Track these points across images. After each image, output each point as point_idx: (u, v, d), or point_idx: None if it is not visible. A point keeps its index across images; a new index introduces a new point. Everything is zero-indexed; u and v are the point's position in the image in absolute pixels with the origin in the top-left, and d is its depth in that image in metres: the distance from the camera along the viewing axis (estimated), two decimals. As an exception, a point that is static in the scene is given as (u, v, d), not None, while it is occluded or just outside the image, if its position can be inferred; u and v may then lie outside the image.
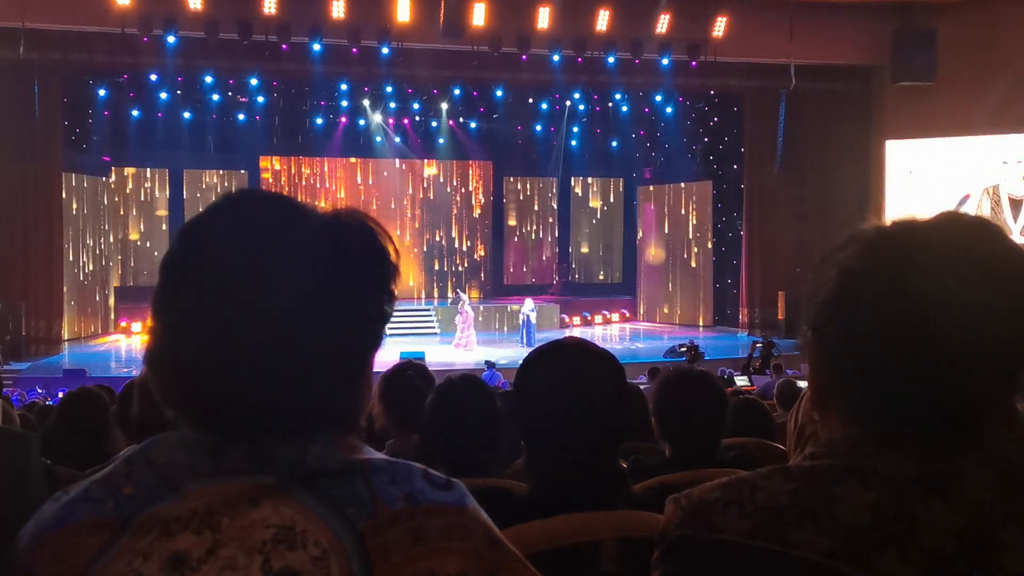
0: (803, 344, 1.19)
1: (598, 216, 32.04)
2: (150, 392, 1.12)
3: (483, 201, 31.23)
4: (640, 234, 30.92)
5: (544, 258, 31.71)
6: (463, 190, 31.01)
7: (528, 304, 24.28)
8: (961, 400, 1.07)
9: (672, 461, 2.93)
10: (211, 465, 1.02)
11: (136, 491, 1.02)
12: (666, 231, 30.14)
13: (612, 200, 32.02)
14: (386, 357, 16.51)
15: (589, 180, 31.73)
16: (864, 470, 1.07)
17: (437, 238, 30.85)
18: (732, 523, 1.09)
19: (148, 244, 27.74)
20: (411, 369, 3.65)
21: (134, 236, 27.88)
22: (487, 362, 18.28)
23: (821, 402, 1.18)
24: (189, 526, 0.98)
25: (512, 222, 31.41)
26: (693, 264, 29.37)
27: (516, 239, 31.46)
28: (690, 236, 29.41)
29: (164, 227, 27.67)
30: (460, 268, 31.04)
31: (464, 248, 31.14)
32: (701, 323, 28.76)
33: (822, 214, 23.38)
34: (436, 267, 30.72)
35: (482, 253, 31.30)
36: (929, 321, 1.05)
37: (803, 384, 6.86)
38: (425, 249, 30.64)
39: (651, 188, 30.73)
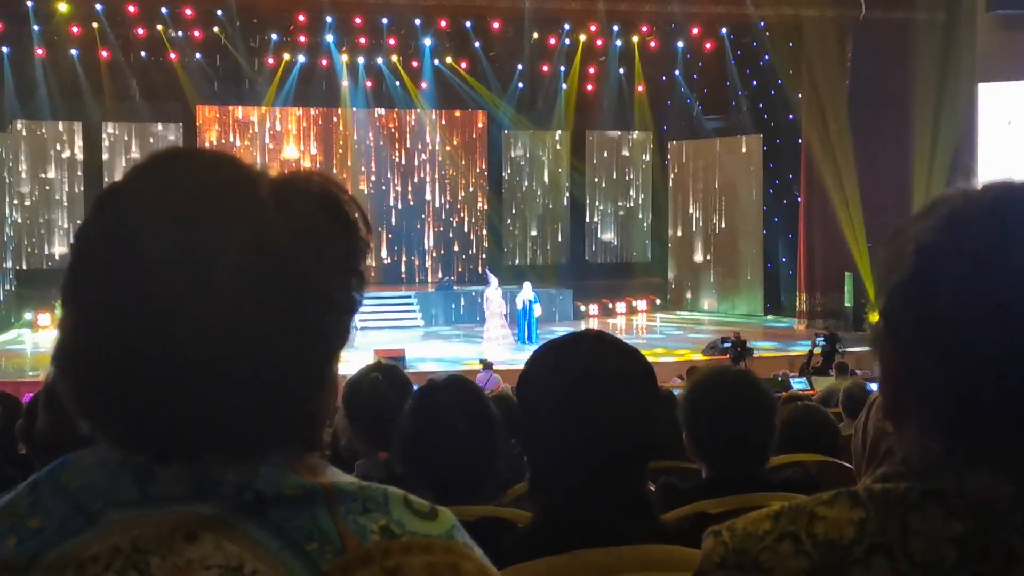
0: (873, 338, 1.19)
1: (620, 178, 31.99)
2: (60, 400, 1.11)
3: (477, 161, 31.20)
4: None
5: (553, 232, 31.67)
6: (452, 147, 30.96)
7: (527, 290, 24.25)
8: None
9: (711, 484, 2.94)
10: (137, 491, 1.02)
11: (44, 524, 1.02)
12: (704, 198, 30.12)
13: (637, 158, 31.96)
14: (358, 356, 16.52)
15: (608, 134, 31.67)
16: (948, 494, 1.07)
17: (420, 207, 30.81)
18: (785, 561, 1.09)
19: (58, 216, 27.71)
20: (377, 371, 3.65)
21: (41, 207, 27.85)
22: (482, 361, 18.30)
23: (895, 410, 1.18)
24: (111, 567, 0.98)
25: (513, 185, 31.37)
26: (739, 238, 29.36)
27: (519, 207, 31.42)
28: (735, 203, 29.40)
29: (78, 195, 27.63)
30: (451, 244, 31.02)
31: (454, 219, 31.11)
32: (749, 312, 28.78)
33: (899, 175, 23.36)
34: (419, 243, 30.70)
35: (477, 225, 31.27)
36: (1027, 308, 1.05)
37: (875, 387, 6.84)
38: (405, 221, 30.61)
39: (686, 143, 30.69)
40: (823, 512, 1.11)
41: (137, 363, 1.00)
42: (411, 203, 30.71)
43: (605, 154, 31.88)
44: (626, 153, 31.96)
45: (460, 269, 30.74)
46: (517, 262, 30.94)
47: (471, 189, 31.28)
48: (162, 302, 1.00)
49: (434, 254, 30.92)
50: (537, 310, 24.16)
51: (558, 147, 31.44)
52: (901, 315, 1.13)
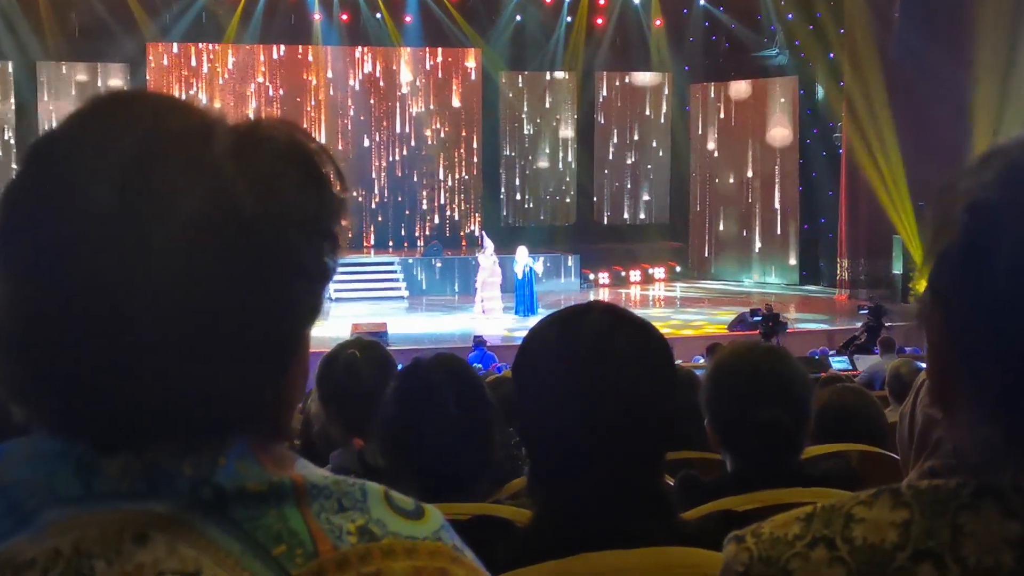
0: (919, 311, 1.18)
1: (635, 126, 31.88)
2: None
3: (470, 107, 31.07)
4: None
5: (558, 189, 31.60)
6: (441, 91, 30.84)
7: (523, 255, 24.15)
8: None
9: (737, 478, 2.94)
10: (80, 486, 1.02)
11: (-28, 524, 1.02)
12: (731, 149, 30.05)
13: (655, 103, 31.85)
14: (333, 330, 16.54)
15: (621, 75, 31.53)
16: (1005, 491, 1.07)
17: (405, 161, 30.73)
18: (819, 570, 1.10)
19: (-12, 170, 27.68)
20: (355, 348, 3.65)
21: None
22: (476, 338, 18.35)
23: (944, 394, 1.17)
24: (49, 572, 0.98)
25: (511, 135, 31.28)
26: (771, 196, 29.32)
27: (518, 160, 31.33)
28: (767, 156, 29.34)
29: (9, 145, 27.56)
30: (440, 204, 30.95)
31: (444, 175, 31.02)
32: (782, 280, 28.79)
33: (955, 123, 23.28)
34: (403, 204, 30.63)
35: (471, 182, 31.18)
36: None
37: (925, 367, 6.85)
38: (387, 178, 30.53)
39: (711, 87, 30.58)
40: (861, 513, 1.11)
41: (75, 337, 1.00)
42: (397, 157, 30.61)
43: (617, 99, 31.74)
44: (642, 97, 31.80)
45: (449, 232, 30.67)
46: (517, 223, 30.84)
47: (463, 139, 31.15)
48: (104, 267, 0.99)
49: (420, 215, 30.81)
50: (538, 268, 24.03)
51: (563, 91, 31.31)
52: (951, 285, 1.12)
